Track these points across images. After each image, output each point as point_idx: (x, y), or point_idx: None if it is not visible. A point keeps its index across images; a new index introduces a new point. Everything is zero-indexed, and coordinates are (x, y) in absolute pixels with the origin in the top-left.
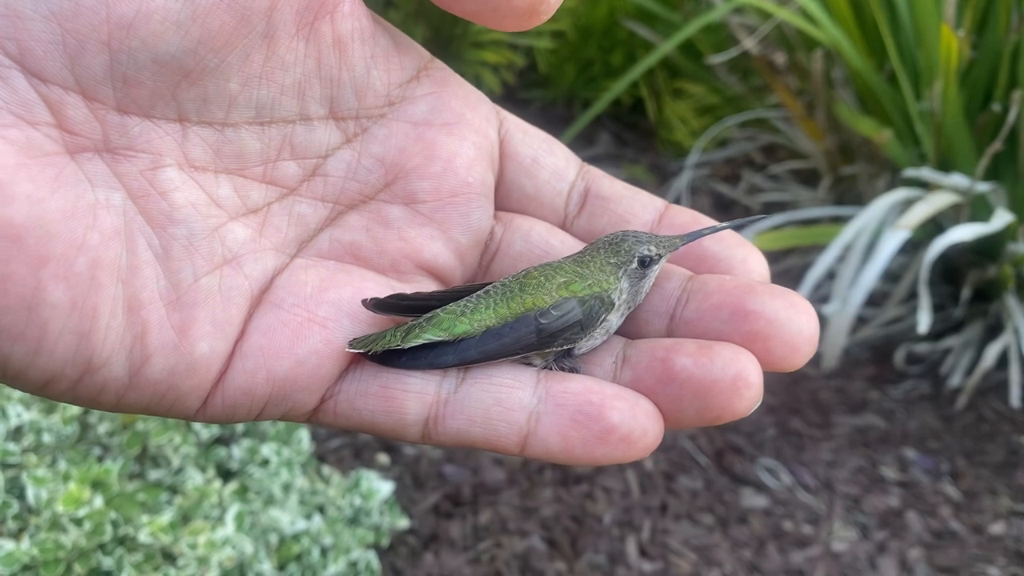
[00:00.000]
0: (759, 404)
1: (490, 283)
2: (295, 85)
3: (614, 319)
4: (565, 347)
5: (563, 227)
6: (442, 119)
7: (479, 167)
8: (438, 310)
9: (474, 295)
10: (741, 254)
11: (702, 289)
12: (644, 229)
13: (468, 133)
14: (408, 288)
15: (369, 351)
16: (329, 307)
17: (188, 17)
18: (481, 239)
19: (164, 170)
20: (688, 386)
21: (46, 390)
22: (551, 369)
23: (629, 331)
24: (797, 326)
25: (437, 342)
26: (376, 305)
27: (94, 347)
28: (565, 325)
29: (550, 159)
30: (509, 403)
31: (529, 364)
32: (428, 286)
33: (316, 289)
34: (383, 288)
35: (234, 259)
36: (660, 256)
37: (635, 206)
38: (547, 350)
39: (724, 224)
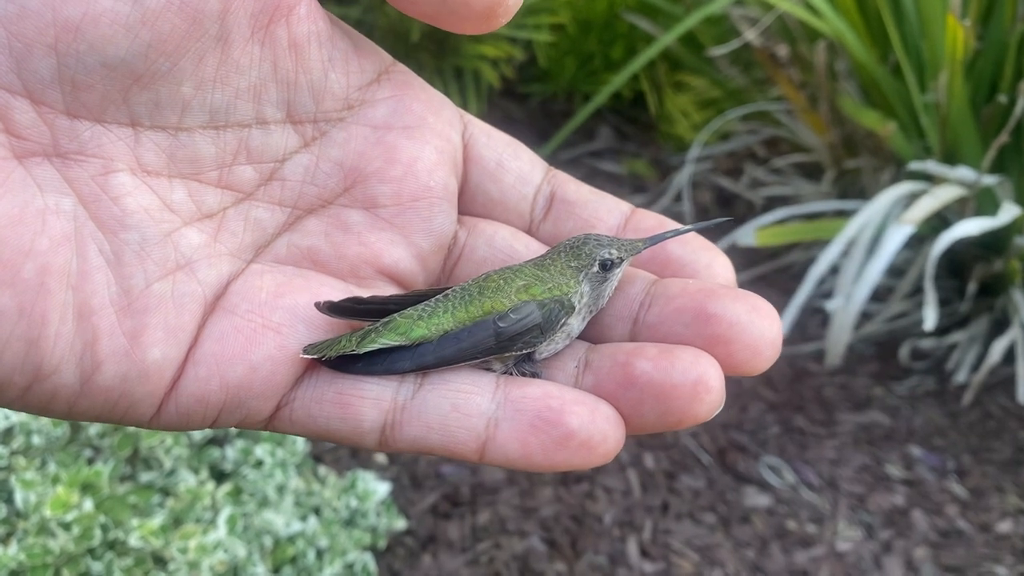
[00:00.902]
0: (721, 408)
1: (449, 287)
2: (251, 89)
3: (575, 323)
4: (525, 351)
5: (529, 231)
6: (403, 122)
7: (441, 171)
8: (395, 315)
9: (432, 299)
10: (706, 258)
11: (665, 293)
12: (609, 233)
13: (430, 137)
14: (368, 294)
15: (324, 357)
16: (284, 312)
17: (137, 20)
18: (444, 244)
19: (116, 175)
20: (648, 391)
21: None
22: (511, 374)
23: (593, 335)
24: (759, 330)
25: (394, 347)
26: (331, 308)
27: (43, 354)
28: (524, 329)
29: (515, 163)
30: (467, 409)
31: (489, 369)
32: (389, 292)
33: (271, 295)
34: (341, 293)
35: (187, 264)
36: (621, 259)
37: (601, 210)
38: (506, 354)
39: (687, 227)
